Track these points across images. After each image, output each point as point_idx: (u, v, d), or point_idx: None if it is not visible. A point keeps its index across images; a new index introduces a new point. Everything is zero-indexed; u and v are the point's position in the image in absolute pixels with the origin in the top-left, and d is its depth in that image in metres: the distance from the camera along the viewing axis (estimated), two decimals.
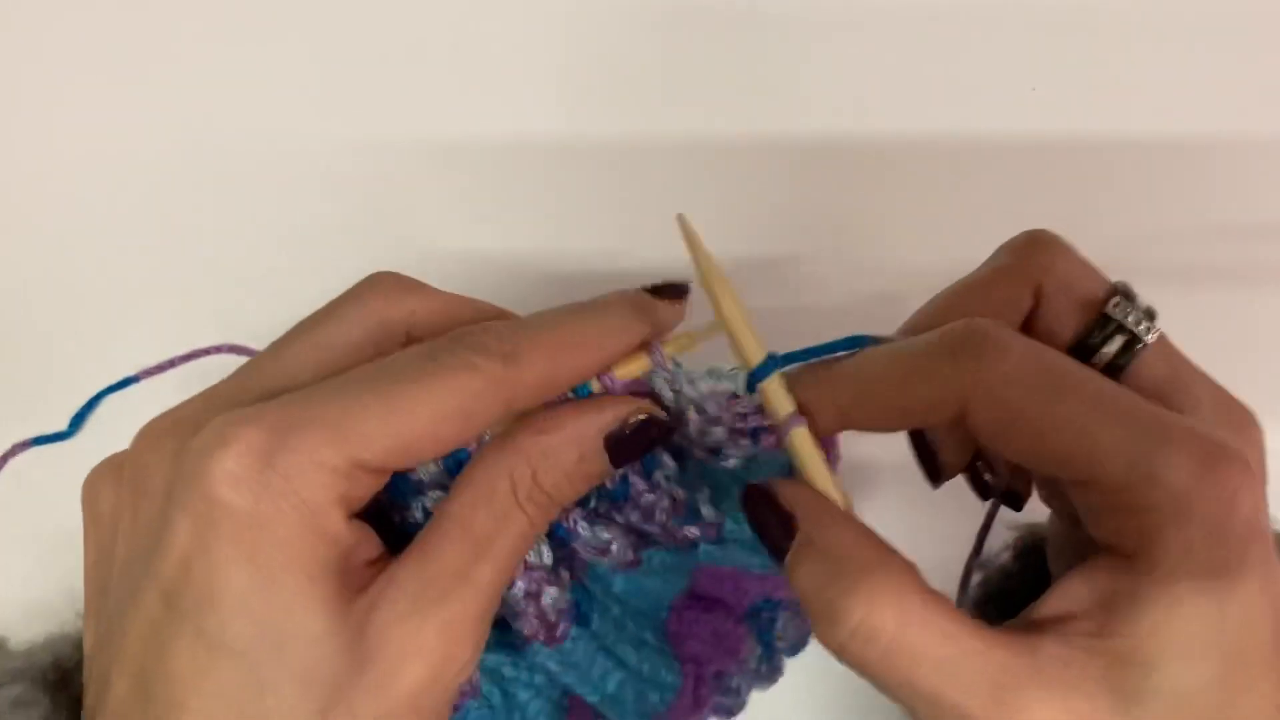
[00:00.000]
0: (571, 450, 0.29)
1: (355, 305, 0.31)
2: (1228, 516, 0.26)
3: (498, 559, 0.29)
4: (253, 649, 0.26)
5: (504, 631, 0.34)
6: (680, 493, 0.33)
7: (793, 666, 0.40)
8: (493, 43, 0.54)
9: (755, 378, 0.30)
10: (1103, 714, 0.26)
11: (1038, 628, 0.28)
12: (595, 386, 0.30)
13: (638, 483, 0.32)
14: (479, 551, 0.29)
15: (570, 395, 0.30)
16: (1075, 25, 0.52)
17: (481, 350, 0.28)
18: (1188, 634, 0.26)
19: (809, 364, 0.31)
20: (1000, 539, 0.38)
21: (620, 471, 0.31)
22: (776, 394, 0.30)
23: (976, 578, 0.38)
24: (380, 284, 0.31)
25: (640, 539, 0.33)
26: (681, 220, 0.31)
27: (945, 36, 0.52)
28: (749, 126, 0.52)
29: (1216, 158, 0.50)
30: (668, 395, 0.31)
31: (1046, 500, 0.34)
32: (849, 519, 0.29)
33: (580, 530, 0.32)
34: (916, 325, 0.32)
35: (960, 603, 0.36)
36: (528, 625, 0.32)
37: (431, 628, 0.27)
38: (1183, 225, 0.50)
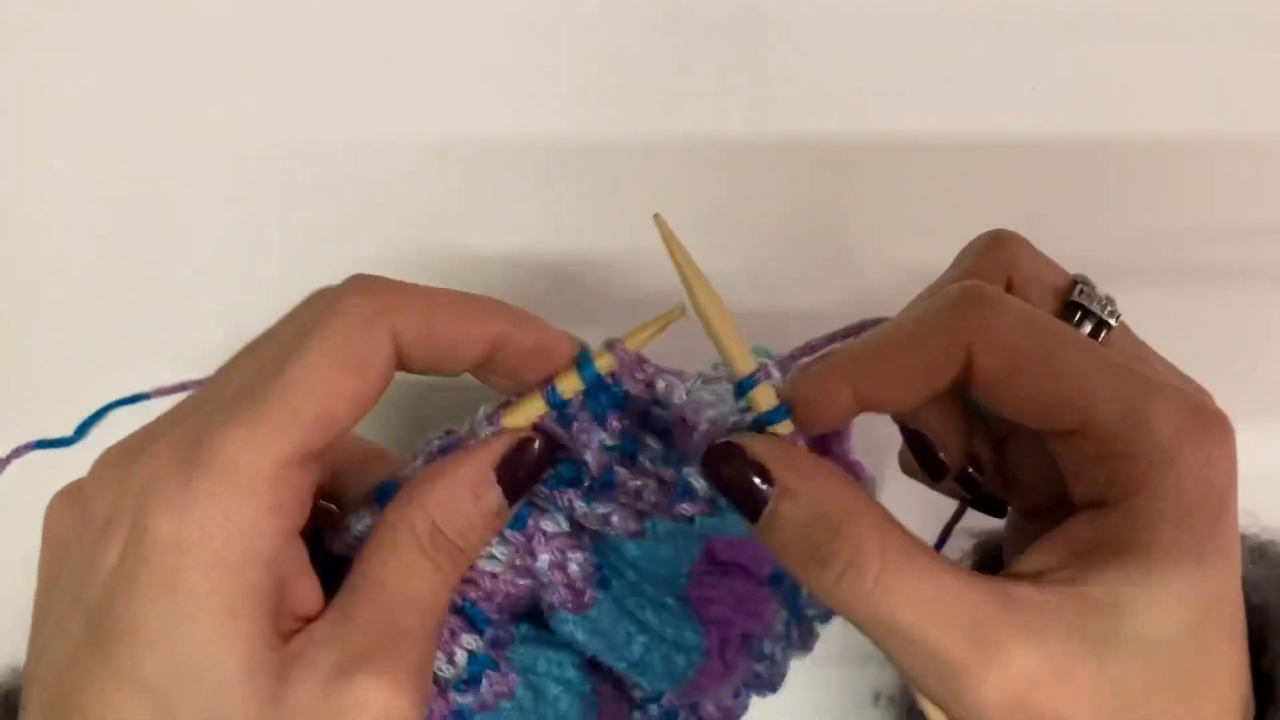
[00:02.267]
0: (464, 491, 0.30)
1: (298, 313, 0.30)
2: (1212, 469, 0.27)
3: (420, 609, 0.29)
4: (164, 685, 0.26)
5: (536, 626, 0.34)
6: (668, 473, 0.32)
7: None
8: (493, 43, 0.53)
9: (743, 388, 0.30)
10: (1074, 656, 0.26)
11: (1015, 578, 0.28)
12: (487, 431, 0.30)
13: (621, 471, 0.32)
14: (396, 606, 0.28)
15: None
16: (1075, 25, 0.52)
17: (350, 291, 0.28)
18: (1166, 582, 0.26)
19: (813, 359, 0.31)
20: (961, 547, 0.38)
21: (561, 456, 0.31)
22: (768, 400, 0.30)
23: None
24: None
25: (638, 512, 0.33)
26: (659, 221, 0.31)
27: (945, 36, 0.52)
28: (749, 126, 0.52)
29: (1216, 158, 0.51)
30: (558, 431, 0.31)
31: (1007, 494, 0.34)
32: (822, 463, 0.29)
33: (577, 506, 0.32)
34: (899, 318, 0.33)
35: None
36: (556, 595, 0.32)
37: (370, 686, 0.27)
38: (1183, 225, 0.50)
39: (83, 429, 0.43)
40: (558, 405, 0.31)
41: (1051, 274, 0.34)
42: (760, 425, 0.30)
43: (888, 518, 0.28)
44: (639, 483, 0.32)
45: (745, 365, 0.30)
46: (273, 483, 0.26)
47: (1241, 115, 0.51)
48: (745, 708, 0.40)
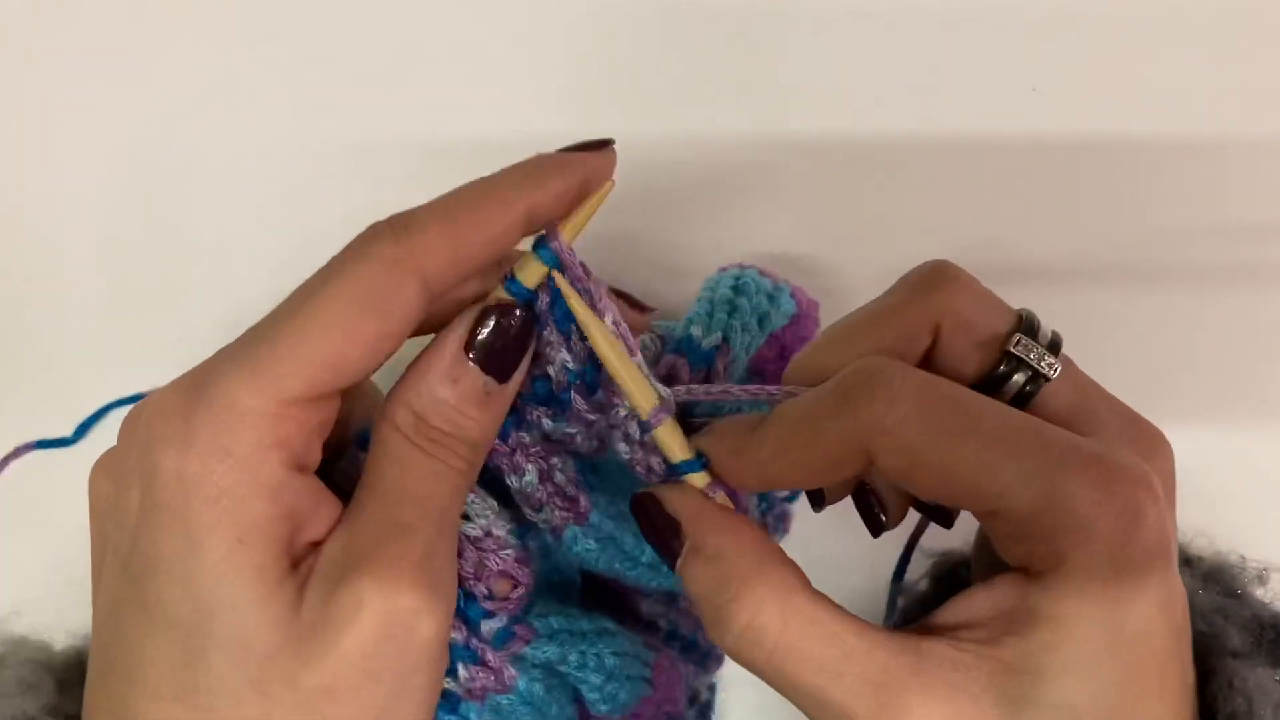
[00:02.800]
0: (441, 379, 0.29)
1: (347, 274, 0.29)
2: (1130, 535, 0.26)
3: (417, 502, 0.28)
4: (184, 618, 0.26)
5: (567, 614, 0.34)
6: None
7: None
8: (493, 43, 0.53)
9: (645, 429, 0.30)
10: (986, 717, 0.26)
11: (932, 632, 0.28)
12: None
13: (578, 400, 0.31)
14: (390, 504, 0.28)
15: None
16: (1075, 25, 0.52)
17: (372, 236, 0.28)
18: (1081, 648, 0.26)
19: (726, 423, 0.30)
20: (920, 569, 0.38)
21: (520, 379, 0.31)
22: (672, 440, 0.30)
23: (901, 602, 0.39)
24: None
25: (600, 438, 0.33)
26: (556, 277, 0.30)
27: (945, 36, 0.52)
28: (748, 126, 0.52)
29: (1216, 158, 0.50)
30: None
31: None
32: (733, 523, 0.29)
33: (545, 424, 0.32)
34: (808, 365, 0.31)
35: (889, 625, 0.36)
36: (555, 510, 0.32)
37: (367, 585, 0.26)
38: (1183, 225, 0.50)
39: (82, 429, 0.43)
40: (522, 295, 0.30)
41: (987, 318, 0.31)
42: (675, 473, 0.30)
43: (793, 577, 0.28)
44: (593, 417, 0.32)
45: (647, 403, 0.30)
46: (275, 419, 0.26)
47: (1241, 115, 0.51)
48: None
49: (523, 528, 0.33)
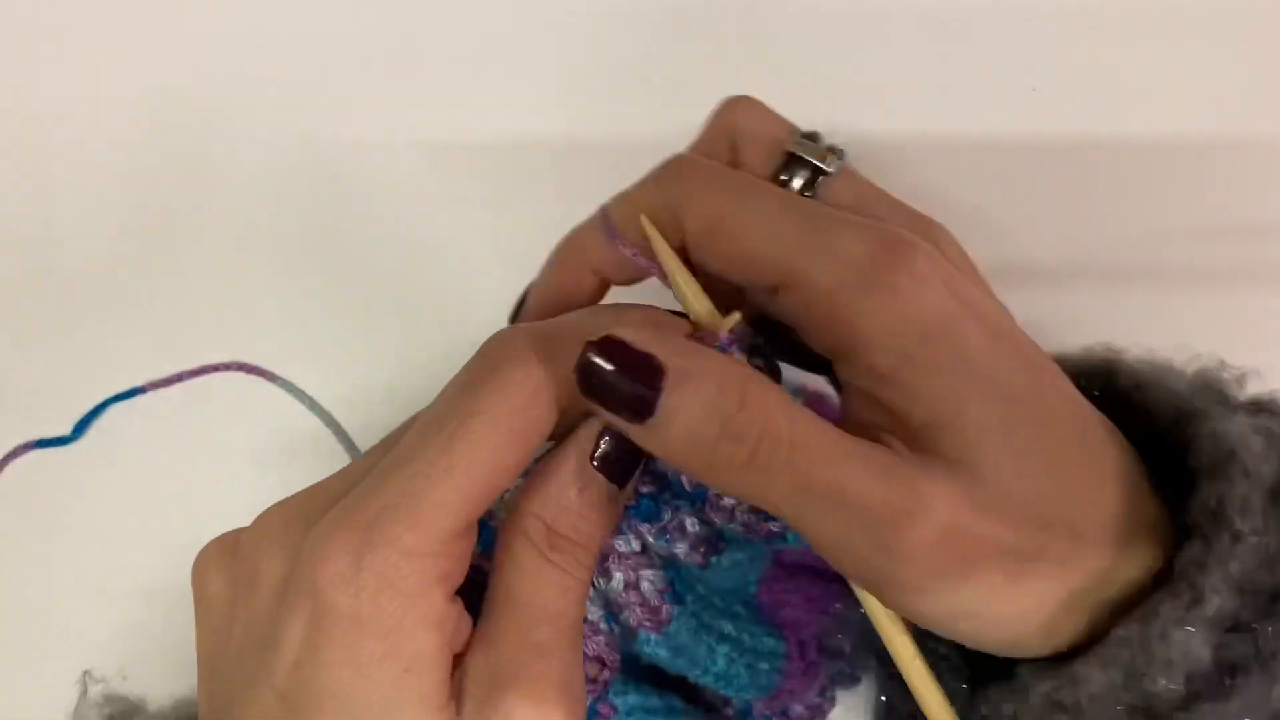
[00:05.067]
0: (567, 487, 0.29)
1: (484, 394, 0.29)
2: (919, 285, 0.28)
3: (553, 618, 0.29)
4: None
5: (643, 691, 0.34)
6: None
7: None
8: (493, 42, 0.54)
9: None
10: (968, 482, 0.27)
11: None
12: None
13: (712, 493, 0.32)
14: (533, 618, 0.29)
15: None
16: (1075, 25, 0.52)
17: (518, 357, 0.28)
18: (942, 382, 0.27)
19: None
20: None
21: (642, 489, 0.32)
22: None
23: None
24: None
25: (708, 543, 0.33)
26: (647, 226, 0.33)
27: (945, 36, 0.52)
28: None
29: (1216, 158, 0.50)
30: None
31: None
32: (710, 349, 0.29)
33: (648, 539, 0.32)
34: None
35: None
36: (633, 615, 0.32)
37: (511, 705, 0.27)
38: (1183, 225, 0.50)
39: (80, 426, 0.44)
40: None
41: (772, 128, 0.35)
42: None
43: (780, 389, 0.28)
44: (731, 502, 0.32)
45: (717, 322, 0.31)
46: (437, 558, 0.27)
47: (1241, 115, 0.51)
48: (834, 702, 0.39)
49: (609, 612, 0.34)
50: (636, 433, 0.28)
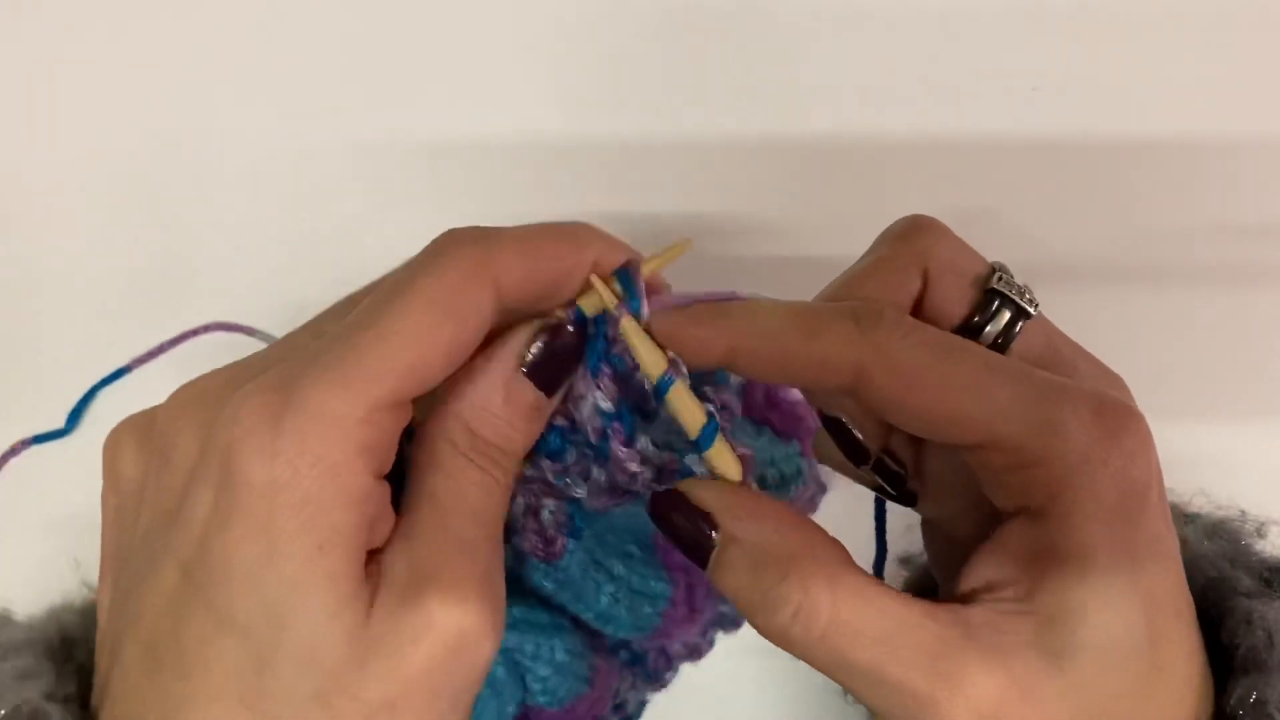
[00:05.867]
0: (494, 391, 0.29)
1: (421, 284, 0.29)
2: (1130, 466, 0.27)
3: (476, 516, 0.28)
4: (256, 625, 0.26)
5: (528, 603, 0.34)
6: (669, 457, 0.32)
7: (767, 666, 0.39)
8: (493, 43, 0.54)
9: (661, 388, 0.30)
10: (1037, 674, 0.26)
11: (964, 600, 0.28)
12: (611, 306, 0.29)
13: (619, 449, 0.31)
14: (453, 519, 0.28)
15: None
16: (1075, 25, 0.52)
17: (452, 239, 0.28)
18: (1107, 584, 0.26)
19: (700, 302, 0.30)
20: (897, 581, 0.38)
21: (556, 420, 0.31)
22: (688, 408, 0.30)
23: (901, 577, 0.38)
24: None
25: (609, 493, 0.32)
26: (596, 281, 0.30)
27: (945, 36, 0.52)
28: (749, 126, 0.52)
29: (1216, 158, 0.50)
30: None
31: (922, 508, 0.34)
32: (767, 505, 0.29)
33: (550, 475, 0.32)
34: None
35: None
36: (527, 541, 0.32)
37: (436, 604, 0.26)
38: (1183, 225, 0.50)
39: (73, 417, 0.44)
40: (577, 319, 0.30)
41: (969, 262, 0.33)
42: (699, 446, 0.30)
43: (837, 554, 0.28)
44: (635, 467, 0.31)
45: (656, 368, 0.30)
46: (363, 426, 0.26)
47: (1241, 115, 0.51)
48: (711, 644, 0.40)
49: None
50: (528, 397, 0.29)
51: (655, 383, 0.30)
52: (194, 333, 0.48)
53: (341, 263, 0.51)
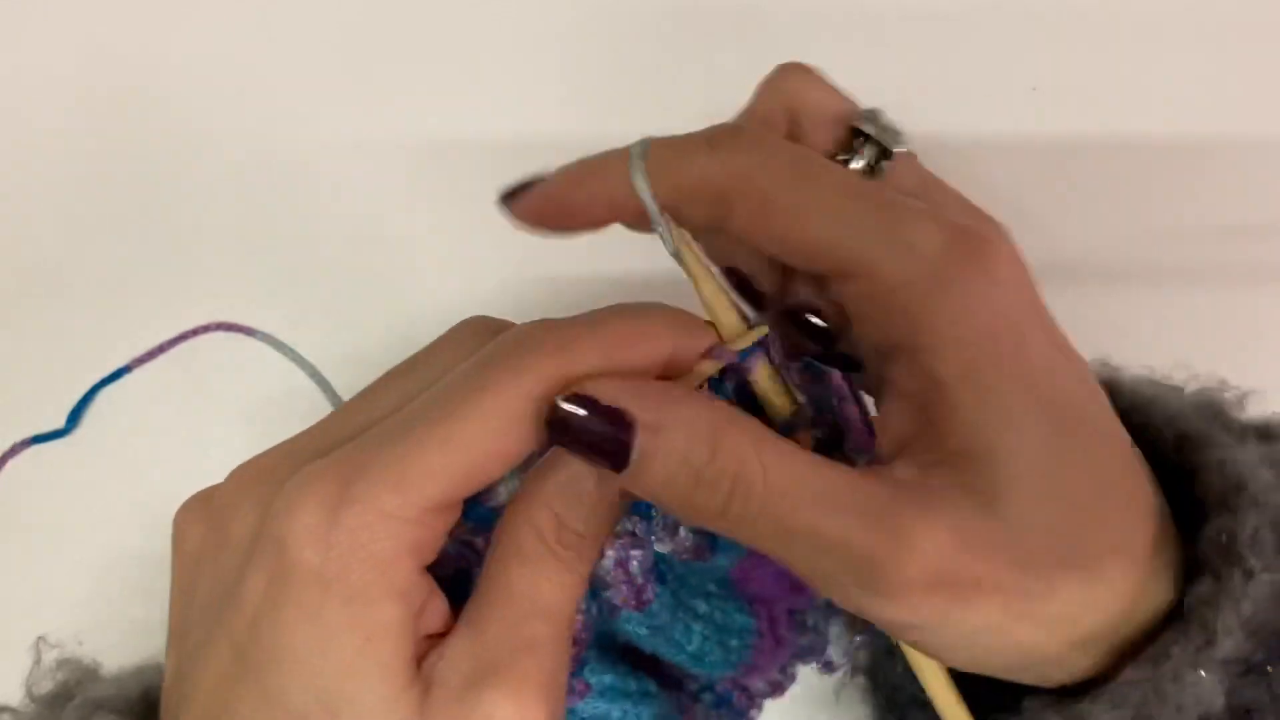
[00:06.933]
0: (584, 478, 0.28)
1: (448, 347, 0.30)
2: (995, 288, 0.26)
3: (548, 615, 0.28)
4: (310, 711, 0.26)
5: (618, 669, 0.34)
6: None
7: None
8: (493, 43, 0.54)
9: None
10: (972, 520, 0.26)
11: (884, 460, 0.28)
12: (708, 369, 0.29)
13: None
14: (524, 614, 0.28)
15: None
16: (1075, 25, 0.52)
17: (534, 347, 0.27)
18: (1003, 407, 0.26)
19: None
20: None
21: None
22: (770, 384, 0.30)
23: None
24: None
25: (696, 549, 0.33)
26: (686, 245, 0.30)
27: (945, 36, 0.52)
28: None
29: (1216, 158, 0.50)
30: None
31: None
32: (679, 390, 0.28)
33: (638, 532, 0.32)
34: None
35: None
36: (617, 594, 0.32)
37: (501, 701, 0.26)
38: (1183, 225, 0.50)
39: (74, 416, 0.44)
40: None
41: (835, 103, 0.33)
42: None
43: (756, 425, 0.27)
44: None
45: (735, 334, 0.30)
46: (414, 526, 0.26)
47: (1241, 115, 0.51)
48: (793, 678, 0.39)
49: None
50: (616, 479, 0.27)
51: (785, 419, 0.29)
52: (194, 333, 0.48)
53: (342, 263, 0.51)
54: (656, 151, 0.29)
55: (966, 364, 0.26)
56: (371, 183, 0.52)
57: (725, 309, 0.30)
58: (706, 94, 0.53)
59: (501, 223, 0.52)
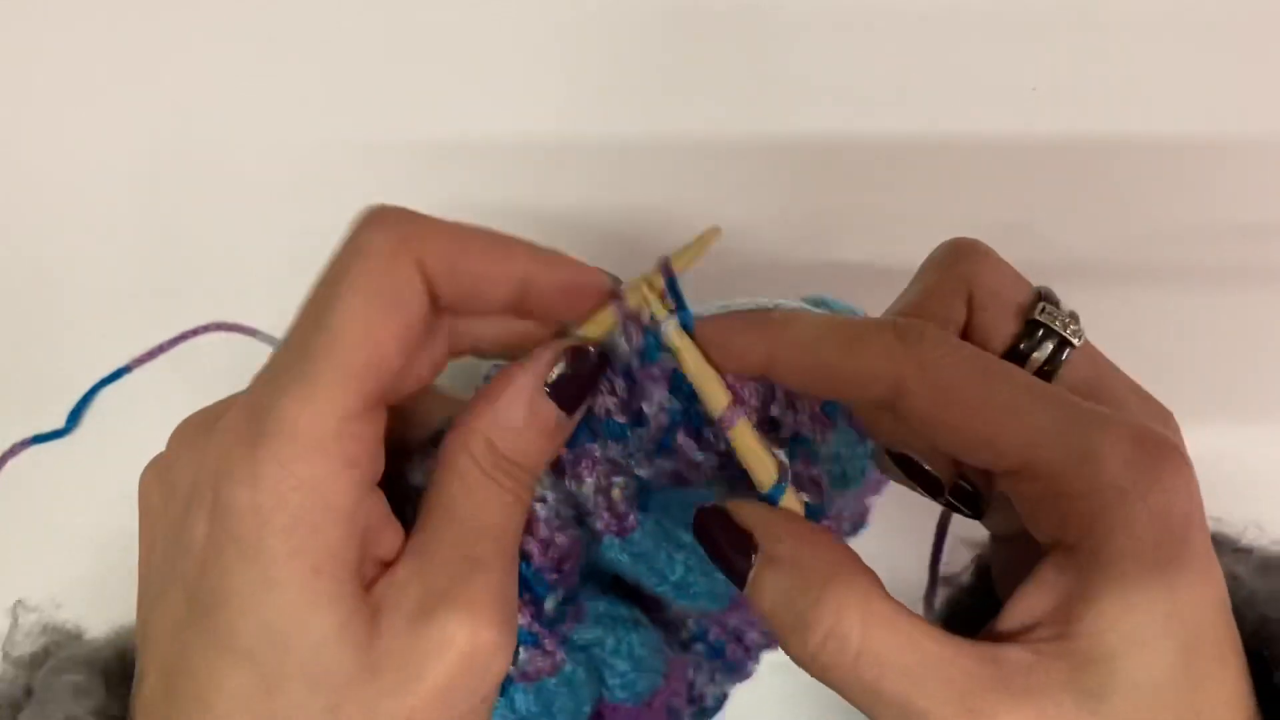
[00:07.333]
0: (517, 408, 0.29)
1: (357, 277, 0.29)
2: (1170, 503, 0.26)
3: (493, 535, 0.29)
4: (259, 650, 0.26)
5: (612, 597, 0.34)
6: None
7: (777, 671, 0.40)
8: (493, 43, 0.54)
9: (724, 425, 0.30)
10: (1070, 716, 0.26)
11: (1002, 637, 0.28)
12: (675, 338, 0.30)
13: (685, 441, 0.32)
14: (469, 536, 0.28)
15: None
16: (1075, 25, 0.52)
17: (370, 225, 0.28)
18: (1144, 624, 0.26)
19: (741, 311, 0.30)
20: (961, 559, 0.38)
21: (618, 417, 0.31)
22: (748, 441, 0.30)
23: (941, 595, 0.38)
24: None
25: (674, 475, 0.33)
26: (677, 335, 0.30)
27: (945, 36, 0.52)
28: (749, 126, 0.52)
29: (1216, 158, 0.50)
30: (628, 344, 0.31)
31: (989, 523, 0.34)
32: (808, 529, 0.29)
33: (614, 453, 0.32)
34: None
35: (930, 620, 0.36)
36: (601, 519, 0.32)
37: (453, 622, 0.27)
38: (1183, 225, 0.50)
39: (74, 416, 0.44)
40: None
41: (1013, 288, 0.32)
42: (769, 497, 0.30)
43: (871, 582, 0.28)
44: (701, 457, 0.32)
45: (719, 402, 0.30)
46: (339, 438, 0.26)
47: (1241, 115, 0.51)
48: None
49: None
50: (553, 416, 0.29)
51: (718, 418, 0.30)
52: (194, 333, 0.48)
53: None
54: (839, 323, 0.29)
55: (1123, 575, 0.26)
56: (371, 183, 0.52)
57: (762, 461, 0.30)
58: (707, 94, 0.53)
59: (501, 223, 0.52)
